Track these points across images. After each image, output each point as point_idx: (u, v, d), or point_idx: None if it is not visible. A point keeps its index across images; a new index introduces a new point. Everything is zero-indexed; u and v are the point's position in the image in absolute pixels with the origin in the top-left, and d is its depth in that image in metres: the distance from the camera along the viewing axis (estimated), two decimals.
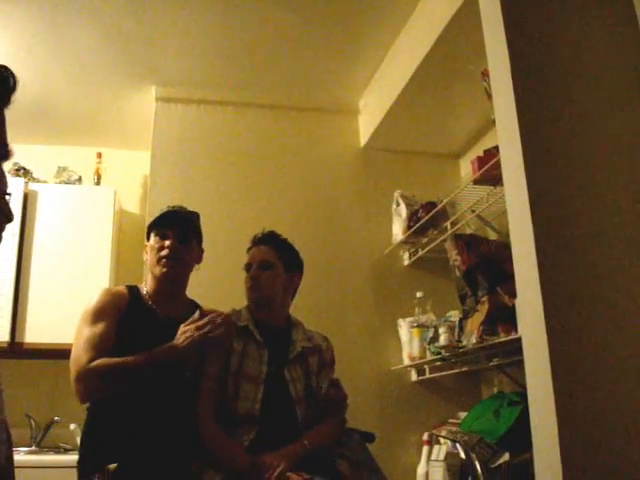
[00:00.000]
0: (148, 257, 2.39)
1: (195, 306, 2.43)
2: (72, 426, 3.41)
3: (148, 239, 2.42)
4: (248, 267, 2.40)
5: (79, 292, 3.70)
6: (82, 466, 2.14)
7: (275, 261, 2.39)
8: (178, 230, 2.36)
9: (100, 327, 2.16)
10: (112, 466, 2.02)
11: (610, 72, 2.18)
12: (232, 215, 3.22)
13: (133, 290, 2.36)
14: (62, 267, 3.75)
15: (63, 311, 3.62)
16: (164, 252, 2.32)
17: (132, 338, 2.17)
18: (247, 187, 3.67)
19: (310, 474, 1.99)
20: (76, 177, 4.06)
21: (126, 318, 2.23)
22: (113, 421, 2.11)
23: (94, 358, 2.07)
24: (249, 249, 2.45)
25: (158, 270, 2.33)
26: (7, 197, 1.15)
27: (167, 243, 2.33)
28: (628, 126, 2.19)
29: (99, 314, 2.19)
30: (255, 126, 3.85)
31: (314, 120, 3.94)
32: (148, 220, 3.49)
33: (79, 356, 2.09)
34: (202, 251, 2.48)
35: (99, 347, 2.10)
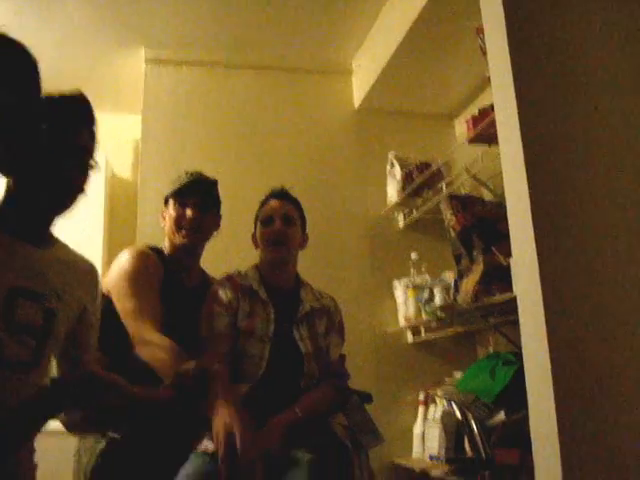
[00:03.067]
0: (167, 224, 2.37)
1: (205, 276, 2.45)
2: None
3: (166, 204, 2.40)
4: (268, 220, 2.34)
5: None
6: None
7: (296, 219, 2.38)
8: (199, 199, 2.35)
9: (148, 299, 2.14)
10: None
11: (615, 24, 2.15)
12: (224, 178, 3.15)
13: (161, 256, 2.35)
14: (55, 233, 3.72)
15: None
16: (184, 222, 2.32)
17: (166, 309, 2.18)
18: (239, 149, 3.64)
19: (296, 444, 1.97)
20: None
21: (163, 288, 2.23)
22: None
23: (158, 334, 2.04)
24: (265, 202, 2.40)
25: (178, 239, 2.33)
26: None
27: (188, 213, 2.32)
28: (630, 78, 2.16)
29: (143, 283, 2.18)
30: (247, 88, 3.80)
31: (307, 81, 3.89)
32: (140, 185, 3.49)
33: (141, 332, 2.05)
34: (220, 217, 2.48)
35: (154, 317, 2.09)
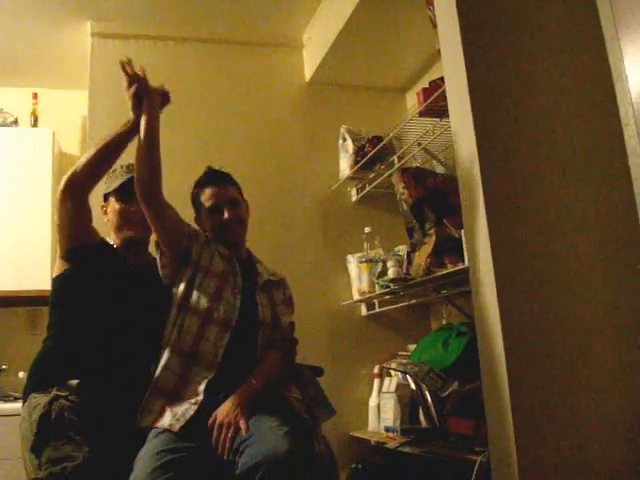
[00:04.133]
0: (111, 220, 2.38)
1: (151, 259, 2.44)
2: (20, 374, 3.36)
3: (106, 200, 2.41)
4: (216, 208, 2.36)
5: (20, 237, 3.61)
6: (33, 382, 2.12)
7: (238, 195, 2.42)
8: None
9: None
10: (74, 382, 2.03)
11: None
12: (174, 154, 3.11)
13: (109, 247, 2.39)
14: (2, 211, 3.63)
15: (3, 256, 3.54)
16: (131, 216, 2.33)
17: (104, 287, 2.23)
18: (190, 124, 3.57)
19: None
20: (12, 119, 3.94)
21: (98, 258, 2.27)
22: (79, 342, 2.13)
23: None
24: (203, 188, 2.41)
25: (126, 234, 2.36)
26: None
27: (132, 209, 2.33)
28: (574, 51, 2.19)
29: None
30: (197, 62, 3.73)
31: (257, 55, 3.83)
32: None
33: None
34: None
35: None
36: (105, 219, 2.40)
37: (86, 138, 3.63)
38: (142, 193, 2.14)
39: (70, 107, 4.18)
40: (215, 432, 1.91)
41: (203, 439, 1.90)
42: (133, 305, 2.21)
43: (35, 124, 4.00)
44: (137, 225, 2.32)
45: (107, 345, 2.13)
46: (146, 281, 2.28)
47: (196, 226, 2.38)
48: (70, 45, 3.77)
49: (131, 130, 2.20)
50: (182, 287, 2.23)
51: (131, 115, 2.20)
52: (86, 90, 3.58)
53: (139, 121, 2.17)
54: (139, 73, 2.25)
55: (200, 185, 2.43)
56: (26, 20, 3.54)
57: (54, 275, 2.31)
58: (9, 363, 3.55)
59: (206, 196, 2.38)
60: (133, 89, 2.21)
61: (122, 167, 2.37)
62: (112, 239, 2.38)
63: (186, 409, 2.00)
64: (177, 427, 1.94)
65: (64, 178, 2.19)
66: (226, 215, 2.34)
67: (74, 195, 2.18)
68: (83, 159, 2.20)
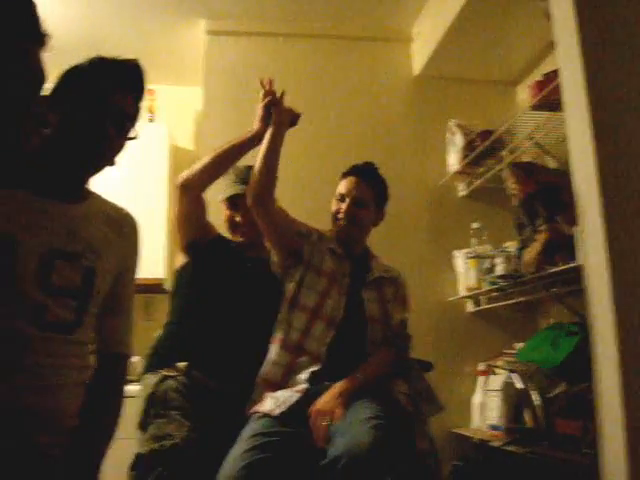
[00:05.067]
0: (224, 220, 2.52)
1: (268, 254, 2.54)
2: (135, 359, 3.51)
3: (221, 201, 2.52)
4: (341, 197, 2.42)
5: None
6: (148, 364, 2.26)
7: (369, 200, 2.43)
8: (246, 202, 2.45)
9: None
10: (182, 364, 2.14)
11: None
12: (285, 148, 3.16)
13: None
14: (120, 203, 3.80)
15: None
16: (237, 224, 2.47)
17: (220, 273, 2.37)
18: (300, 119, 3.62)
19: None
20: None
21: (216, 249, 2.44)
22: (192, 329, 2.26)
23: None
24: (344, 176, 2.47)
25: (236, 238, 2.50)
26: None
27: (238, 218, 2.46)
28: None
29: None
30: (306, 57, 3.79)
31: (366, 49, 3.85)
32: (201, 155, 3.52)
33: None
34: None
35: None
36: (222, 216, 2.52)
37: (200, 133, 3.76)
38: (253, 201, 2.23)
39: (185, 103, 4.33)
40: (312, 419, 1.95)
41: (302, 426, 1.94)
42: (246, 297, 2.30)
43: (152, 120, 4.16)
44: (245, 232, 2.44)
45: (218, 333, 2.23)
46: (261, 276, 2.36)
47: (308, 225, 2.42)
48: (185, 43, 3.90)
49: (252, 140, 2.30)
50: (292, 285, 2.29)
51: (256, 125, 2.31)
52: (200, 86, 3.71)
53: (261, 133, 2.28)
54: (274, 90, 2.37)
55: (346, 172, 2.49)
56: (144, 20, 3.70)
57: (176, 267, 2.44)
58: None
59: (342, 183, 2.46)
60: (266, 101, 2.33)
61: (235, 170, 2.47)
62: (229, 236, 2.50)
63: (289, 396, 2.05)
64: (277, 412, 1.99)
65: (181, 176, 2.31)
66: (343, 206, 2.39)
67: (189, 194, 2.31)
68: (201, 162, 2.31)
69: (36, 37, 1.23)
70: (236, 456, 1.83)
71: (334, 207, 2.43)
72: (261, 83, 2.37)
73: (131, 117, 1.61)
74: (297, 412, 1.98)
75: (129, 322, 1.74)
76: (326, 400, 1.99)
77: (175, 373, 2.12)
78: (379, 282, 2.39)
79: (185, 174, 2.31)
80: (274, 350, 2.21)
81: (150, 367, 2.23)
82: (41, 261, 1.42)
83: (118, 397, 1.66)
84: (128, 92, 1.60)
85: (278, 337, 2.23)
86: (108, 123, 1.53)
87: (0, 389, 1.31)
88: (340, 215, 2.39)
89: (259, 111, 2.33)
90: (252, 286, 2.34)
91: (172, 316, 2.38)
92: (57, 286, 1.44)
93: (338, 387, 2.04)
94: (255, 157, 2.27)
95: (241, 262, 2.40)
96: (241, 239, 2.45)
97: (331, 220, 2.44)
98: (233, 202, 2.45)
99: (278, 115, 2.31)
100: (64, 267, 1.47)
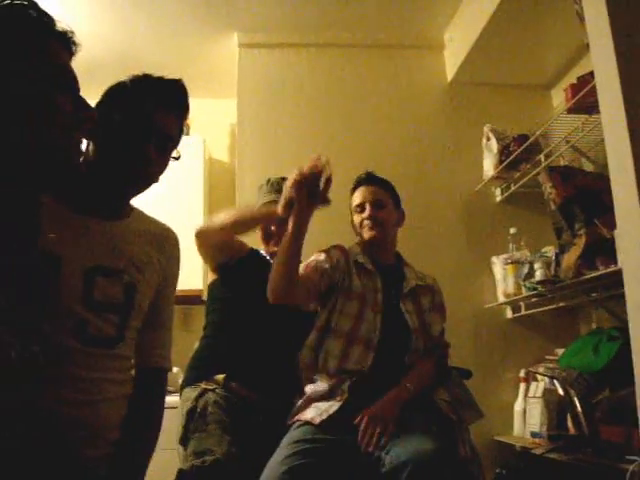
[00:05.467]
0: (258, 231, 2.55)
1: None
2: (175, 369, 3.55)
3: None
4: (361, 208, 2.43)
5: None
6: (187, 378, 2.30)
7: (387, 200, 2.45)
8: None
9: None
10: (220, 376, 2.17)
11: None
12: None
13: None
14: (156, 217, 3.85)
15: None
16: (271, 234, 2.52)
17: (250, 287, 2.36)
18: (334, 128, 3.65)
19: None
20: None
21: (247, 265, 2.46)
22: (228, 343, 2.30)
23: None
24: (354, 190, 2.49)
25: (269, 249, 2.54)
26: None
27: (273, 228, 2.50)
28: None
29: None
30: (339, 66, 3.80)
31: (398, 57, 3.85)
32: (237, 167, 3.57)
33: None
34: None
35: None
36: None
37: (235, 144, 3.80)
38: (275, 301, 2.11)
39: (219, 115, 4.37)
40: (364, 423, 1.95)
41: (344, 434, 1.96)
42: (277, 311, 2.26)
43: (187, 132, 4.21)
44: (278, 241, 2.39)
45: (253, 346, 2.27)
46: None
47: (329, 253, 2.36)
48: (219, 56, 3.95)
49: (271, 219, 2.34)
50: (325, 312, 2.29)
51: (280, 210, 2.05)
52: (234, 98, 3.75)
53: (284, 219, 2.10)
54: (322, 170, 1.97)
55: (353, 187, 2.51)
56: (177, 35, 3.76)
57: (209, 282, 2.47)
58: None
59: (355, 196, 2.47)
60: (293, 192, 1.98)
61: (269, 182, 2.51)
62: (263, 250, 2.53)
63: (330, 405, 2.06)
64: (318, 420, 2.00)
65: (200, 228, 2.38)
66: (366, 213, 2.40)
67: (205, 243, 2.37)
68: (220, 220, 2.35)
69: (45, 34, 1.19)
70: (277, 462, 1.85)
71: (356, 219, 2.45)
72: (315, 164, 1.96)
73: (173, 137, 1.62)
74: (338, 420, 1.99)
75: (169, 337, 1.75)
76: (382, 406, 2.02)
77: (214, 386, 2.14)
78: (415, 292, 2.38)
79: (204, 227, 2.37)
80: (316, 378, 2.21)
81: (189, 380, 2.26)
82: (85, 278, 1.45)
83: (158, 410, 1.68)
84: (171, 112, 1.61)
85: (313, 365, 2.23)
86: (151, 144, 1.54)
87: (45, 402, 1.33)
88: (365, 222, 2.40)
89: (288, 192, 1.99)
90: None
91: (208, 330, 2.43)
92: (99, 302, 1.47)
93: (391, 396, 2.07)
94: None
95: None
96: (275, 249, 2.45)
97: (356, 232, 2.47)
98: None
99: (301, 205, 1.99)
100: (106, 283, 1.49)
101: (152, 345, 1.69)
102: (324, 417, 2.01)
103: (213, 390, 2.13)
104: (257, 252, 2.51)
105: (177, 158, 1.64)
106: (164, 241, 1.72)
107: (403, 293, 2.34)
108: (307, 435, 1.95)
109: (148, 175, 1.60)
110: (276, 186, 2.45)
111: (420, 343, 2.27)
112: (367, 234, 2.40)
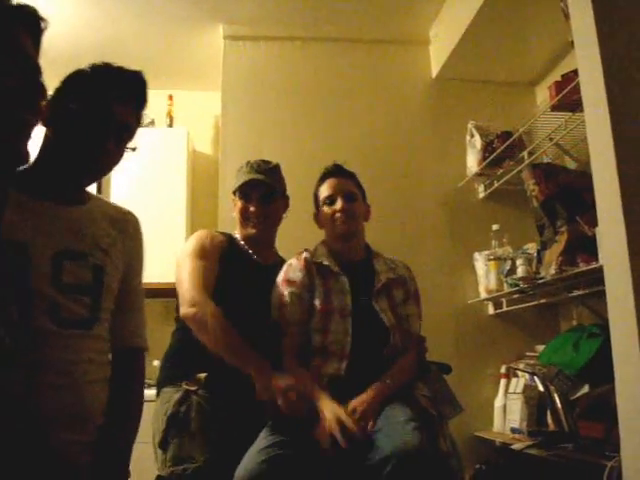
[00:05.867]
0: (236, 215, 2.44)
1: (280, 259, 2.48)
2: (155, 362, 3.53)
3: (234, 195, 2.44)
4: (330, 200, 2.34)
5: (157, 233, 3.79)
6: (165, 375, 2.22)
7: (356, 192, 2.38)
8: (261, 193, 2.38)
9: (204, 263, 2.21)
10: (202, 375, 2.10)
11: None
12: (304, 151, 3.19)
13: (232, 239, 2.42)
14: (139, 208, 3.79)
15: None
16: (250, 215, 2.37)
17: (230, 280, 2.24)
18: (319, 122, 3.64)
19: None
20: (149, 120, 4.11)
21: (226, 259, 2.29)
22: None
23: (208, 298, 2.11)
24: (322, 181, 2.40)
25: (247, 230, 2.40)
26: None
27: (252, 208, 2.37)
28: None
29: (202, 252, 2.25)
30: (324, 61, 3.80)
31: (384, 52, 3.84)
32: (221, 160, 3.55)
33: (191, 294, 2.12)
34: (287, 198, 2.51)
35: (205, 284, 2.15)
36: (233, 213, 2.47)
37: (218, 137, 3.78)
38: None
39: (203, 107, 4.35)
40: (344, 415, 1.94)
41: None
42: (260, 302, 2.25)
43: (171, 124, 4.19)
44: (257, 224, 2.37)
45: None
46: (269, 283, 2.30)
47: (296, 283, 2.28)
48: (203, 48, 3.92)
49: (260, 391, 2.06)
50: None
51: (261, 395, 2.01)
52: (219, 91, 3.73)
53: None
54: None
55: (320, 178, 2.42)
56: (162, 26, 3.73)
57: None
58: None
59: (323, 188, 2.38)
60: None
61: (248, 164, 2.42)
62: (238, 233, 2.44)
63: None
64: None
65: (190, 313, 2.11)
66: (338, 205, 2.31)
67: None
68: (214, 332, 2.07)
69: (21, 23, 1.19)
70: (255, 451, 1.85)
71: (326, 211, 2.34)
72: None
73: (131, 128, 1.63)
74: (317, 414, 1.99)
75: (141, 317, 1.76)
76: (363, 400, 2.01)
77: (195, 387, 2.08)
78: (388, 286, 2.30)
79: (197, 317, 2.09)
80: None
81: (167, 379, 2.18)
82: (52, 262, 1.46)
83: (139, 390, 1.70)
84: (130, 103, 1.61)
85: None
86: (108, 135, 1.55)
87: (19, 387, 1.31)
88: (338, 215, 2.30)
89: (278, 398, 1.97)
90: (267, 291, 2.29)
91: (181, 321, 2.30)
92: (68, 284, 1.48)
93: (371, 391, 2.05)
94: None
95: (253, 264, 2.37)
96: (252, 231, 2.38)
97: (321, 226, 2.40)
98: (246, 192, 2.38)
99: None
100: (74, 266, 1.51)
101: (126, 326, 1.70)
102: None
103: (195, 392, 2.08)
104: (233, 240, 2.42)
105: (134, 149, 1.64)
106: (126, 224, 1.73)
107: (375, 290, 2.26)
108: (282, 428, 1.95)
109: (104, 165, 1.62)
110: (256, 167, 2.38)
111: (397, 339, 2.22)
112: (340, 228, 2.31)
